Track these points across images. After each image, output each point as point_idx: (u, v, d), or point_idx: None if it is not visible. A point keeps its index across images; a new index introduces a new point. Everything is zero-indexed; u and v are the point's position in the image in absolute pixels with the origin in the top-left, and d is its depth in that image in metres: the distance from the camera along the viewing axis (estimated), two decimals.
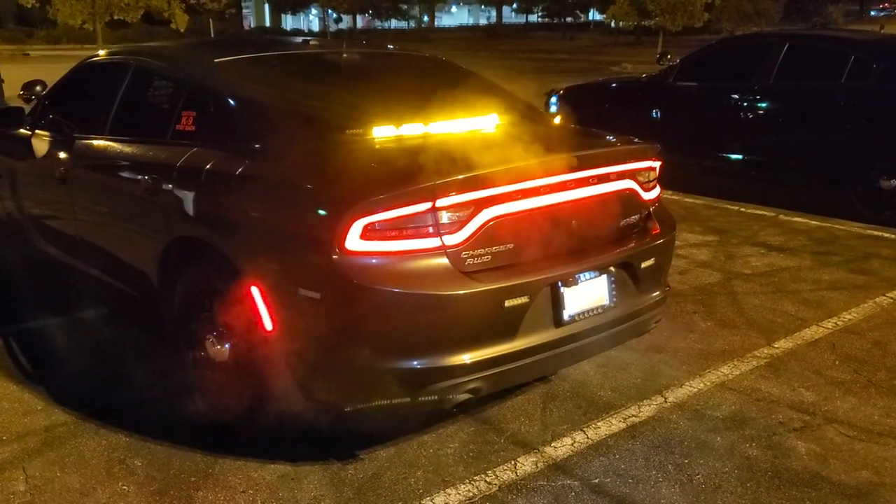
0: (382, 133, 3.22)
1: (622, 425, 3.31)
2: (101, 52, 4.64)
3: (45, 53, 35.17)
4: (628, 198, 3.25)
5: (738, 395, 3.57)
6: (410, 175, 2.68)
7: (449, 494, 2.83)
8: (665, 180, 3.53)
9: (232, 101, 3.40)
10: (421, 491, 2.86)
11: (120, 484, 2.90)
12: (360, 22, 71.54)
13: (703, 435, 3.24)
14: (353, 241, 2.61)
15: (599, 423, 3.32)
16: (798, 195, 7.34)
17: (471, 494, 2.83)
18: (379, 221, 2.61)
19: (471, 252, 2.73)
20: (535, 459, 3.06)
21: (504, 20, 75.71)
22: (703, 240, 6.16)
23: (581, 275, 3.00)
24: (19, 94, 5.15)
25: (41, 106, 4.64)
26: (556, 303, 2.93)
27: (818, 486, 2.89)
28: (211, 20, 43.29)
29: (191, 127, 3.40)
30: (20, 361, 3.96)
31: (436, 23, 76.88)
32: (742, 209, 7.21)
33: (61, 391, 3.59)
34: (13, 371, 3.83)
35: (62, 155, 4.13)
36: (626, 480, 2.92)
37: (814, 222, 6.71)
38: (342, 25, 64.22)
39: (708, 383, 3.69)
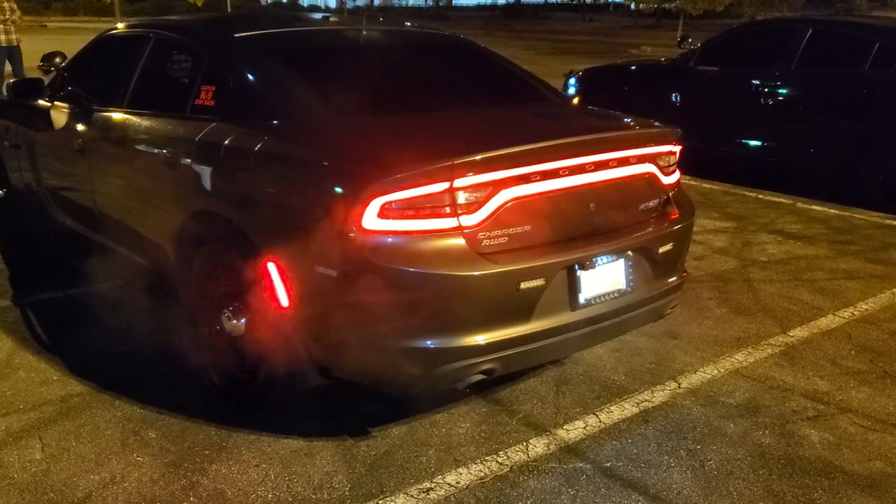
0: (401, 112, 3.21)
1: (635, 410, 3.31)
2: (121, 25, 4.64)
3: (63, 25, 35.22)
4: (648, 182, 3.22)
5: (751, 383, 3.56)
6: (429, 154, 2.66)
7: (460, 474, 2.85)
8: (683, 165, 3.50)
9: (251, 77, 3.39)
10: (433, 469, 2.87)
11: (134, 455, 2.93)
12: None
13: (716, 421, 3.23)
14: (371, 219, 2.60)
15: (612, 408, 3.32)
16: (817, 183, 7.27)
17: (482, 474, 2.84)
18: (396, 200, 2.60)
19: (487, 233, 2.71)
20: (547, 441, 3.06)
21: (523, 0, 75.01)
22: (720, 226, 6.12)
23: (598, 258, 2.98)
24: (39, 66, 5.16)
25: (60, 77, 4.65)
26: (573, 286, 2.91)
27: (831, 476, 2.88)
28: None
29: (210, 102, 3.40)
30: (37, 332, 3.99)
31: (453, 1, 76.28)
32: (760, 196, 7.15)
33: (77, 362, 3.63)
34: (30, 341, 3.87)
35: (80, 127, 4.14)
36: (638, 465, 2.92)
37: (832, 211, 6.66)
38: (359, 2, 63.94)
39: (722, 370, 3.68)
